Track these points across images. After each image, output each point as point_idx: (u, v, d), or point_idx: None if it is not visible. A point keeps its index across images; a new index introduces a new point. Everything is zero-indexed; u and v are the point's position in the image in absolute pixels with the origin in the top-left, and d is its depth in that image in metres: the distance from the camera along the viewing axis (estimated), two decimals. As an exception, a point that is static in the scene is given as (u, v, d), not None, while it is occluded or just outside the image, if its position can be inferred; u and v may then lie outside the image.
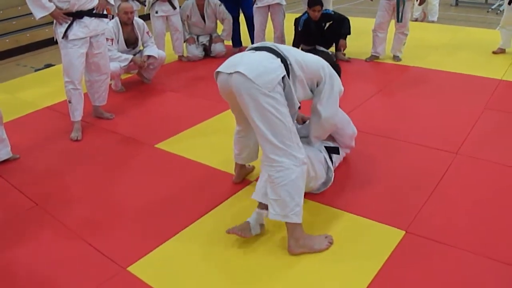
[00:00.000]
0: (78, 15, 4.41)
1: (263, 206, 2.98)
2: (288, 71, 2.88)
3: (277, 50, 2.94)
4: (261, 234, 3.06)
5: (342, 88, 3.23)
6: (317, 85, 3.12)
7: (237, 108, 3.02)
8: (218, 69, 2.97)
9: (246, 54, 2.97)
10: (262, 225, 3.03)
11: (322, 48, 6.44)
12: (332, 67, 3.23)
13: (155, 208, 3.49)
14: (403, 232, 3.01)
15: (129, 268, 2.87)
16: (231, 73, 2.83)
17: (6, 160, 4.26)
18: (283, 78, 2.81)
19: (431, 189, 3.45)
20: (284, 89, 2.84)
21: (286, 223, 2.88)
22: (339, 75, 3.37)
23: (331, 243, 2.96)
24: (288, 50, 3.01)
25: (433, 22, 9.39)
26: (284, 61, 2.88)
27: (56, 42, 4.61)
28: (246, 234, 2.94)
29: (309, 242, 2.93)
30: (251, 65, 2.80)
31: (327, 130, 3.37)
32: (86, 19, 4.45)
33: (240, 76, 2.77)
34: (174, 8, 6.87)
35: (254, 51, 2.99)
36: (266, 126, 2.77)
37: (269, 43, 3.08)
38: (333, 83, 3.13)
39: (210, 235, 3.14)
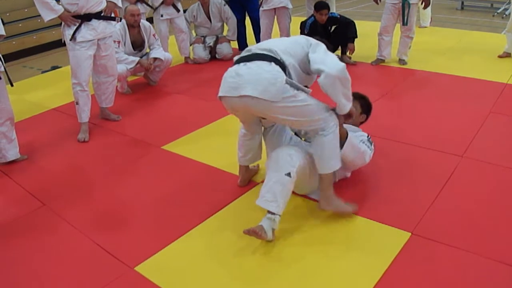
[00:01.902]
0: (86, 17, 4.45)
1: (272, 211, 2.99)
2: (282, 66, 2.94)
3: (265, 52, 2.98)
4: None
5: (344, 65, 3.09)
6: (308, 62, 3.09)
7: (250, 118, 3.10)
8: (221, 94, 3.08)
9: (241, 69, 2.97)
10: (273, 230, 3.02)
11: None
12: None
13: (162, 208, 3.51)
14: (409, 234, 3.02)
15: (136, 268, 2.88)
16: (238, 96, 2.94)
17: (14, 161, 4.29)
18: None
19: (437, 192, 3.46)
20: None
21: (322, 182, 3.16)
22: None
23: (355, 210, 3.26)
24: (273, 44, 3.07)
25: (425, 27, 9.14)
26: (275, 59, 2.94)
27: (63, 44, 4.65)
28: (262, 235, 2.92)
29: (337, 203, 3.21)
30: (253, 83, 2.88)
31: (342, 82, 2.98)
32: (94, 22, 4.49)
33: (250, 98, 2.89)
34: (178, 10, 6.99)
35: (245, 63, 2.99)
36: (299, 116, 2.98)
37: (252, 47, 3.13)
38: (321, 47, 3.13)
39: (217, 235, 3.16)
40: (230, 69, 3.07)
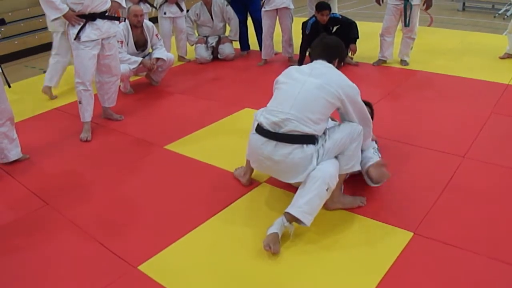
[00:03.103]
0: (91, 17, 4.45)
1: (290, 219, 2.99)
2: (315, 138, 3.06)
3: (298, 134, 3.02)
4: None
5: (359, 90, 3.21)
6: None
7: None
8: (258, 170, 3.44)
9: (275, 155, 3.08)
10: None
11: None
12: (339, 50, 3.38)
13: (165, 208, 3.52)
14: (411, 234, 3.03)
15: (139, 267, 2.89)
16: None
17: (16, 160, 4.30)
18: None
19: (439, 192, 3.47)
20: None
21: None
22: (344, 56, 3.51)
23: (363, 204, 3.34)
24: (306, 111, 3.03)
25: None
26: (307, 138, 3.03)
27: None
28: (277, 249, 2.92)
29: (343, 199, 3.33)
30: (291, 174, 3.10)
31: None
32: (98, 22, 4.49)
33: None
34: (181, 10, 7.07)
35: (277, 143, 3.06)
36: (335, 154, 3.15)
37: (285, 110, 3.07)
38: (353, 102, 3.17)
39: (220, 235, 3.17)
40: (260, 140, 3.14)
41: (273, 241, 2.91)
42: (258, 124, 3.19)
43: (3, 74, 4.14)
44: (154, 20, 6.60)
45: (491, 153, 3.99)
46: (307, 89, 3.07)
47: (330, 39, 3.45)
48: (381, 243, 2.99)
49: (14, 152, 4.28)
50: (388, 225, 3.15)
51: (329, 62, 3.26)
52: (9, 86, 4.32)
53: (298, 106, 3.03)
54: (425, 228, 3.09)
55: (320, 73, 3.14)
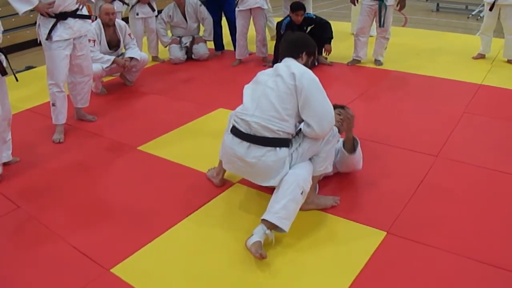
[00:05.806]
0: (62, 16, 4.36)
1: (270, 226, 2.95)
2: (288, 140, 3.07)
3: (270, 136, 3.01)
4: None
5: (316, 78, 3.08)
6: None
7: None
8: (231, 171, 3.42)
9: (248, 156, 3.07)
10: None
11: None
12: (304, 43, 3.31)
13: (138, 210, 3.48)
14: (384, 233, 3.05)
15: (112, 270, 2.86)
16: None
17: (7, 163, 4.18)
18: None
19: (412, 191, 3.50)
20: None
21: None
22: (312, 48, 3.36)
23: (337, 203, 3.36)
24: (273, 110, 3.01)
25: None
26: (280, 140, 3.02)
27: (38, 44, 4.56)
28: (263, 255, 2.83)
29: (317, 200, 3.33)
30: (264, 176, 3.11)
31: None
32: (70, 20, 4.40)
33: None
34: (153, 10, 7.06)
35: (250, 145, 3.06)
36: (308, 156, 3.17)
37: (252, 111, 3.08)
38: (310, 90, 3.02)
39: (194, 236, 3.15)
40: (234, 141, 3.13)
41: (261, 247, 2.86)
42: (233, 125, 3.18)
43: (10, 68, 4.06)
44: (125, 20, 6.53)
45: (463, 153, 4.03)
46: (268, 88, 3.08)
47: (293, 35, 3.45)
48: (354, 242, 3.00)
49: (5, 155, 4.13)
50: (361, 224, 3.16)
51: (296, 57, 3.23)
52: (16, 80, 4.29)
53: (261, 107, 3.05)
54: (398, 227, 3.11)
55: (282, 70, 3.11)
